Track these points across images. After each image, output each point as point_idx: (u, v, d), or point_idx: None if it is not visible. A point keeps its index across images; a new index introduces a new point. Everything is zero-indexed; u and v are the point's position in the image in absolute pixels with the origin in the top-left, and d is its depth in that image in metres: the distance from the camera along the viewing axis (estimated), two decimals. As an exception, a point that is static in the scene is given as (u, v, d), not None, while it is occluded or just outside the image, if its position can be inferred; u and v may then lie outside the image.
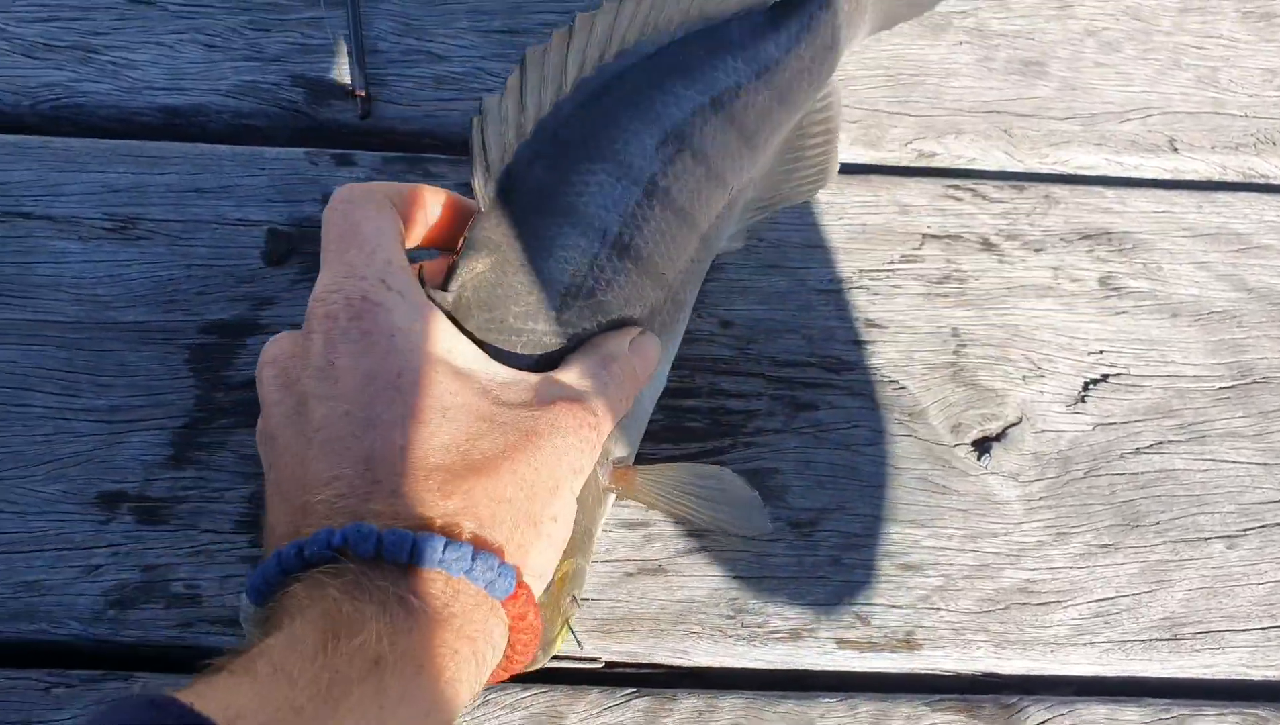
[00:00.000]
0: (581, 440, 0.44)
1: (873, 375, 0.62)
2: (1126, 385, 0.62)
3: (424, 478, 0.40)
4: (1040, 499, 0.59)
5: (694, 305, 0.60)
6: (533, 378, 0.45)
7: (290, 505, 0.41)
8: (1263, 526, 0.59)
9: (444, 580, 0.38)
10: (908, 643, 0.56)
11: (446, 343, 0.44)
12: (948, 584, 0.57)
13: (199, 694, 0.30)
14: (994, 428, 0.61)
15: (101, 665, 0.54)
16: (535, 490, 0.42)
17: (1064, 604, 0.57)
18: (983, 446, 0.60)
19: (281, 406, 0.43)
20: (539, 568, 0.42)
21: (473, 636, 0.38)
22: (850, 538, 0.58)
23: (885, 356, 0.62)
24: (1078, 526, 0.59)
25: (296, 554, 0.38)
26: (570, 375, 0.46)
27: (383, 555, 0.37)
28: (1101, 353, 0.63)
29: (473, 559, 0.38)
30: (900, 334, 0.63)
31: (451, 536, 0.38)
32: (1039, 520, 0.59)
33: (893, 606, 0.57)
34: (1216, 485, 0.60)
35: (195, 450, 0.58)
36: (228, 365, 0.60)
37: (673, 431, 0.60)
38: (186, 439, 0.58)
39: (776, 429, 0.60)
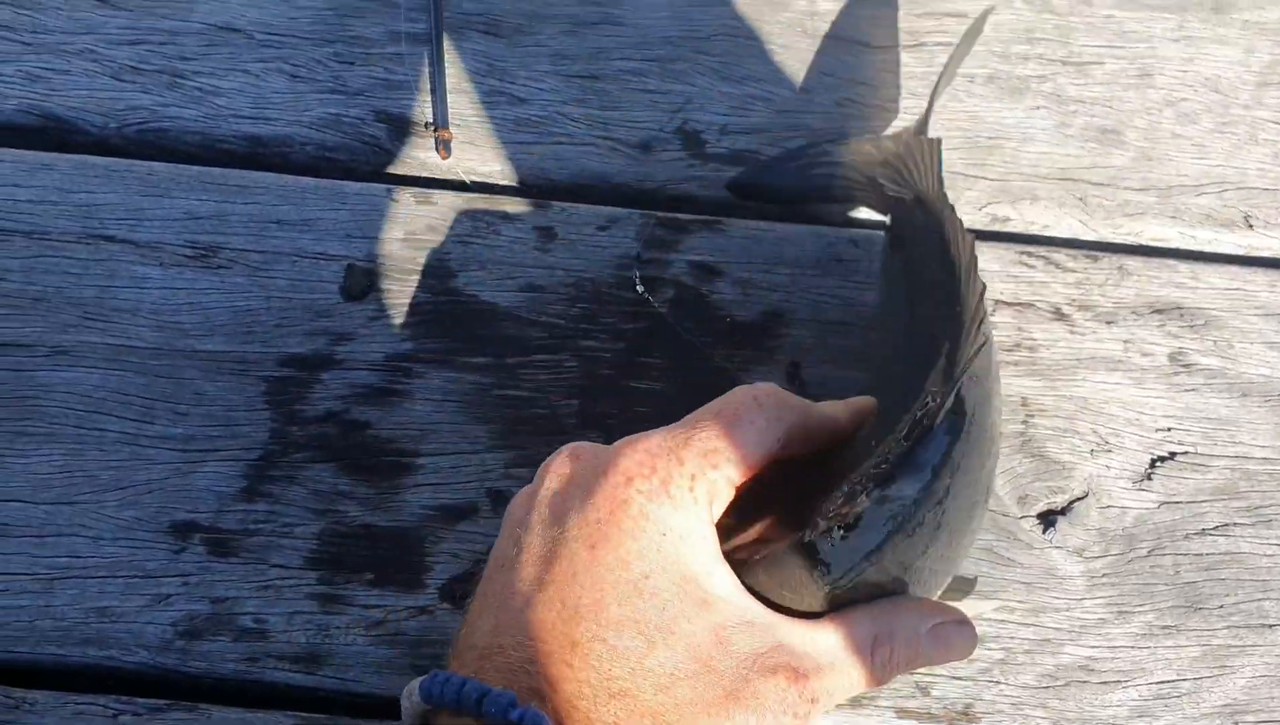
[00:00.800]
0: (775, 721, 0.38)
1: (940, 441, 0.62)
2: (1194, 464, 0.62)
3: (603, 686, 0.37)
4: (1103, 576, 0.59)
5: (766, 363, 0.61)
6: (778, 627, 0.40)
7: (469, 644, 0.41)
8: (1327, 616, 0.59)
9: None
10: (967, 715, 0.56)
11: (709, 565, 0.40)
12: (1009, 658, 0.57)
13: None
14: (1060, 501, 0.61)
15: (167, 695, 0.54)
16: None
17: (1124, 684, 0.57)
18: (1048, 519, 0.60)
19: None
20: None
21: None
22: (913, 606, 0.58)
23: (953, 423, 0.62)
24: (1140, 606, 0.59)
25: (429, 687, 0.37)
26: (828, 636, 0.41)
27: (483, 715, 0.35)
28: (1170, 430, 0.63)
29: None
30: (969, 401, 0.63)
31: None
32: (1101, 597, 0.59)
33: (954, 678, 0.57)
34: (1282, 571, 0.60)
35: (268, 483, 0.58)
36: (302, 399, 0.60)
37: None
38: (259, 472, 0.59)
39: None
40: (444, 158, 0.67)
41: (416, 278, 0.64)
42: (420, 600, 0.57)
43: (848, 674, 0.40)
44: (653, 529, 0.39)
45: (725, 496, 0.42)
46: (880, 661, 0.41)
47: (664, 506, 0.40)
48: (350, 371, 0.61)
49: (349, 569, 0.57)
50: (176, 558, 0.57)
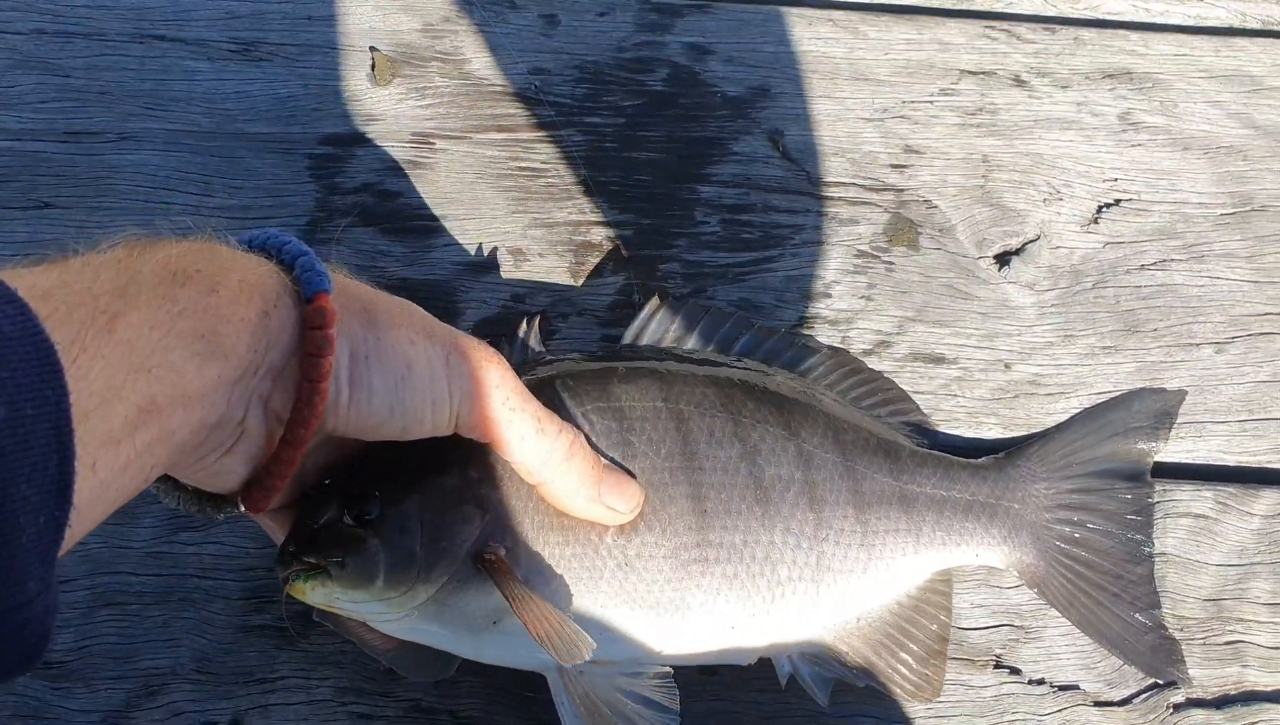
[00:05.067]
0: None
1: (908, 196, 0.69)
2: (1136, 209, 0.70)
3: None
4: (1052, 306, 0.67)
5: (749, 133, 0.69)
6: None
7: None
8: (1249, 335, 0.67)
9: (270, 262, 0.42)
10: (922, 425, 0.65)
11: None
12: (965, 375, 0.66)
13: (13, 274, 0.34)
14: (1014, 243, 0.69)
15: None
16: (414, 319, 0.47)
17: (1068, 395, 0.66)
18: (1003, 259, 0.68)
19: None
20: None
21: (262, 300, 0.40)
22: (882, 335, 0.66)
23: (920, 179, 0.70)
24: (1084, 330, 0.67)
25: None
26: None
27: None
28: (1116, 180, 0.70)
29: (303, 252, 0.43)
30: (935, 160, 0.70)
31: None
32: (1049, 324, 0.67)
33: (916, 392, 0.65)
34: (1210, 298, 0.68)
35: (316, 244, 0.66)
36: (341, 172, 0.68)
37: (729, 242, 0.68)
38: (308, 235, 0.67)
39: (821, 242, 0.68)
40: (455, -44, 0.73)
41: (436, 65, 0.71)
42: (454, 339, 0.66)
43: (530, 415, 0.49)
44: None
45: None
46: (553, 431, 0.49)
47: None
48: (381, 148, 0.69)
49: (391, 314, 0.66)
50: (242, 308, 0.65)
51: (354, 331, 0.44)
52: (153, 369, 0.36)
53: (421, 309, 0.48)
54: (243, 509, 0.47)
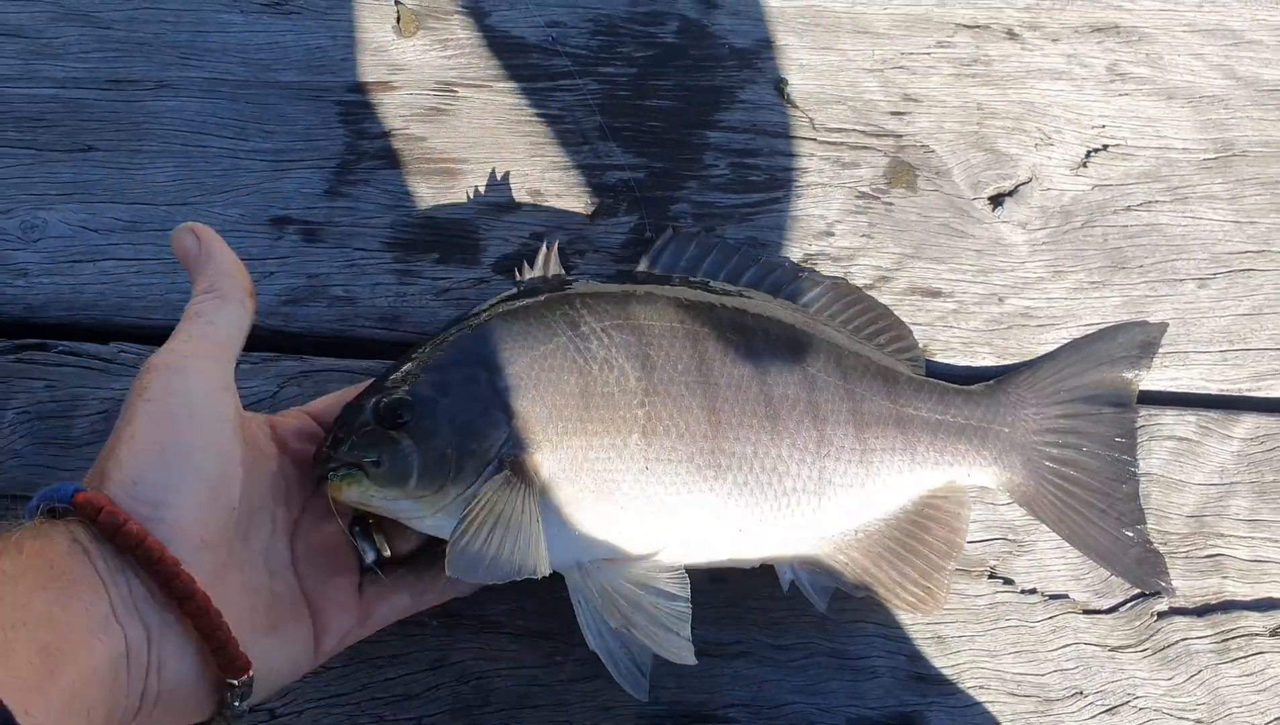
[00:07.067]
0: None
1: (907, 141, 0.73)
2: (1123, 154, 0.73)
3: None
4: (1043, 244, 0.71)
5: (755, 82, 0.72)
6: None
7: None
8: (1230, 271, 0.71)
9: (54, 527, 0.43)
10: (926, 351, 0.69)
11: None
12: (961, 308, 0.69)
13: None
14: (1008, 185, 0.72)
15: (279, 349, 0.67)
16: None
17: (1058, 326, 0.69)
18: (997, 200, 0.72)
19: None
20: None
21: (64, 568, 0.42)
22: (882, 271, 0.70)
23: (918, 126, 0.73)
24: (1073, 266, 0.71)
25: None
26: None
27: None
28: (1104, 127, 0.74)
29: (43, 494, 0.44)
30: (933, 107, 0.74)
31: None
32: (1041, 260, 0.71)
33: (914, 323, 0.69)
34: (1194, 237, 0.72)
35: (346, 186, 0.70)
36: (369, 118, 0.72)
37: (738, 183, 0.72)
38: (339, 176, 0.71)
39: (824, 184, 0.72)
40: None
41: (458, 17, 0.75)
42: (478, 273, 0.69)
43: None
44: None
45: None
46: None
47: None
48: (407, 95, 0.73)
49: (419, 250, 0.69)
50: (275, 243, 0.69)
51: (115, 483, 0.44)
52: (24, 624, 0.38)
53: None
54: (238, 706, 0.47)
